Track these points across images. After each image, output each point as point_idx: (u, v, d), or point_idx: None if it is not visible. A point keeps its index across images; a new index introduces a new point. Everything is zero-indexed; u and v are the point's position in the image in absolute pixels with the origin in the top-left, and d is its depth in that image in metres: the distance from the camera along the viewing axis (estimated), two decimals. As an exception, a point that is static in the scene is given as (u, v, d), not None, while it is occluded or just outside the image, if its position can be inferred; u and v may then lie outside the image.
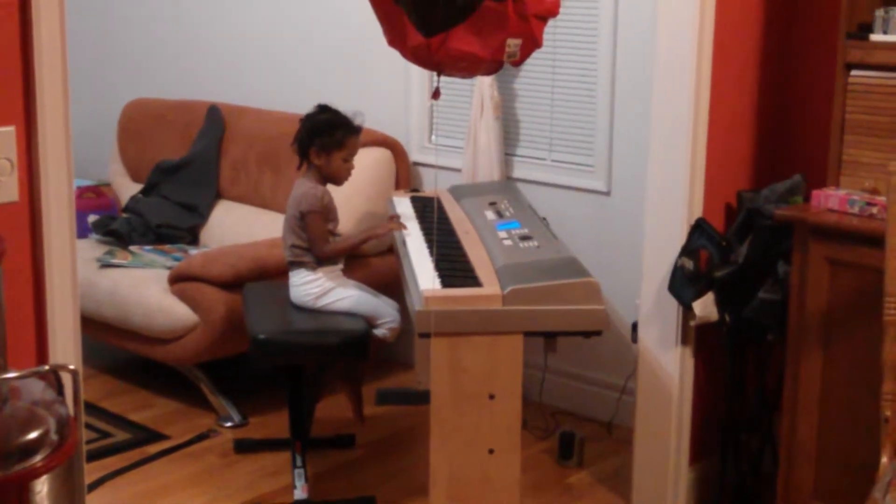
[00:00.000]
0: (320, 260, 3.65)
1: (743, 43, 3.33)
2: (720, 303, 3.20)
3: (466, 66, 2.52)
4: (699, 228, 3.19)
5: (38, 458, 1.58)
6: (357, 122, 3.71)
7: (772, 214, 3.09)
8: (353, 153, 3.71)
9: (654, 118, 3.26)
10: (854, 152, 3.03)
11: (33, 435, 1.61)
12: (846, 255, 2.91)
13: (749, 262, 3.15)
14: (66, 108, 2.09)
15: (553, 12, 2.58)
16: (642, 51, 3.80)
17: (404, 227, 3.59)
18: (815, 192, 3.03)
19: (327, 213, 3.65)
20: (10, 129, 2.02)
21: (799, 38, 3.46)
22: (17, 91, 2.03)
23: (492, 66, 2.56)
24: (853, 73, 3.01)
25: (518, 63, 2.57)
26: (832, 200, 2.98)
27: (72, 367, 1.72)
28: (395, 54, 2.67)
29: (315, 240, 3.62)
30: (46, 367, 1.78)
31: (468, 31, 2.39)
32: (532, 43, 2.52)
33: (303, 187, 3.66)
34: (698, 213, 3.24)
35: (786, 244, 3.05)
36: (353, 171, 3.76)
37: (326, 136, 3.64)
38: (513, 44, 2.45)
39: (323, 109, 3.73)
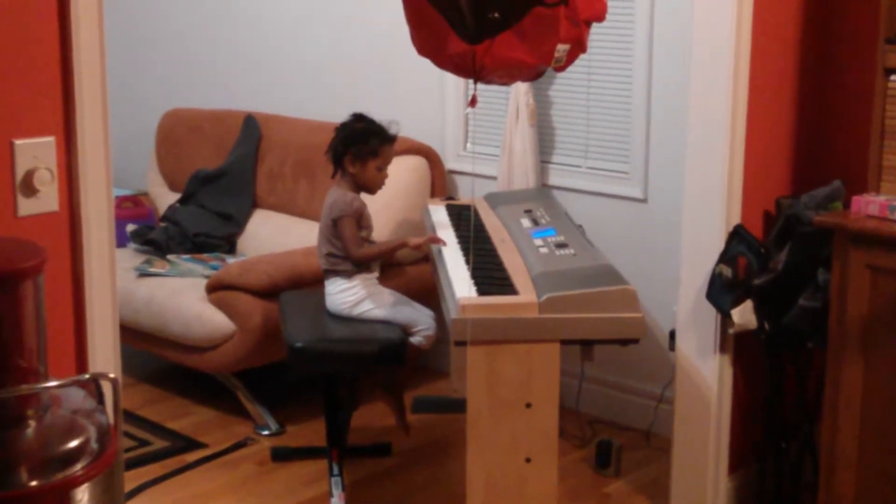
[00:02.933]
0: (356, 268, 3.65)
1: (781, 48, 3.30)
2: (759, 310, 3.17)
3: (510, 73, 2.51)
4: (737, 235, 3.16)
5: (78, 467, 1.59)
6: (392, 131, 3.72)
7: (811, 221, 3.06)
8: (388, 162, 3.71)
9: (691, 124, 3.24)
10: (894, 157, 2.99)
11: (74, 443, 1.62)
12: (887, 262, 2.88)
13: (788, 269, 3.12)
14: (106, 119, 2.11)
15: (601, 17, 2.56)
16: (679, 56, 3.78)
17: (443, 242, 3.55)
18: (854, 198, 3.00)
19: (359, 217, 3.66)
20: (51, 139, 2.04)
21: (837, 42, 3.43)
22: (57, 102, 2.05)
23: (535, 72, 2.55)
24: (893, 77, 2.98)
25: (563, 69, 2.56)
26: (872, 206, 2.95)
27: (112, 375, 1.73)
28: (430, 63, 2.67)
29: (348, 243, 3.62)
30: (87, 376, 1.79)
31: (515, 36, 2.38)
32: (579, 48, 2.51)
33: (334, 195, 3.68)
34: (736, 219, 3.21)
35: (825, 251, 3.02)
36: (389, 180, 3.77)
37: (361, 145, 3.65)
38: (562, 49, 2.44)
39: (358, 118, 3.74)
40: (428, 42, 2.58)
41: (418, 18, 2.55)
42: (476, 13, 2.33)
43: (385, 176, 3.72)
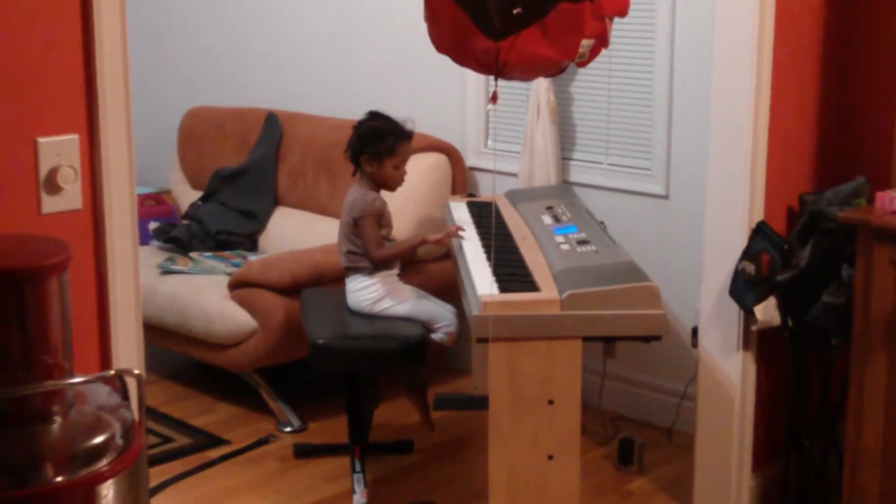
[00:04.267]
0: (376, 265, 3.66)
1: (804, 43, 3.28)
2: (782, 307, 3.16)
3: (534, 69, 2.50)
4: (760, 232, 3.15)
5: (104, 463, 1.60)
6: (408, 127, 3.70)
7: (835, 217, 3.04)
8: (405, 159, 3.70)
9: (713, 120, 3.23)
10: (919, 153, 2.98)
11: (99, 439, 1.63)
12: (912, 258, 2.86)
13: (812, 265, 3.11)
14: (128, 117, 2.12)
15: (624, 12, 2.56)
16: (700, 51, 3.76)
17: (461, 237, 3.56)
18: (878, 194, 2.98)
19: (379, 217, 3.66)
20: (74, 137, 2.05)
21: (861, 37, 3.41)
22: (81, 100, 2.06)
23: (558, 68, 2.54)
24: (918, 72, 2.96)
25: (585, 64, 2.55)
26: (897, 202, 2.93)
27: (136, 371, 1.74)
28: (450, 60, 2.66)
29: (369, 244, 3.62)
30: (112, 372, 1.81)
31: (539, 32, 2.37)
32: (602, 43, 2.50)
33: (355, 194, 3.67)
34: (759, 216, 3.19)
35: (849, 247, 3.00)
36: (409, 177, 3.76)
37: (377, 144, 3.64)
38: (586, 45, 2.43)
39: (374, 116, 3.73)
40: (448, 39, 2.58)
41: (439, 15, 2.55)
42: (501, 9, 2.33)
43: (404, 173, 3.71)
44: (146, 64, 5.50)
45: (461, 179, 4.57)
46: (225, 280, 4.28)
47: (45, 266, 1.64)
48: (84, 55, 2.05)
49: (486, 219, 3.76)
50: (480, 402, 3.12)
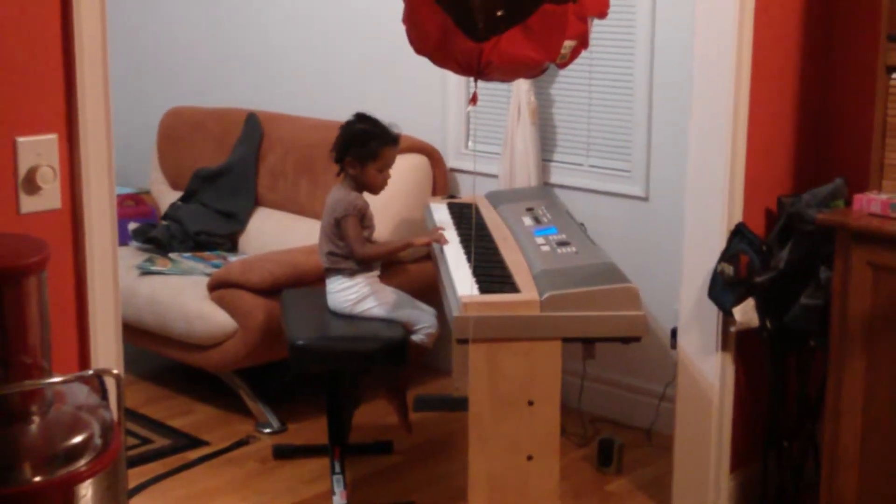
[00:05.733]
0: (357, 266, 3.65)
1: (782, 46, 3.30)
2: (761, 308, 3.18)
3: (515, 70, 2.51)
4: (739, 233, 3.17)
5: (82, 463, 1.59)
6: (394, 132, 3.69)
7: (813, 219, 3.06)
8: (389, 164, 3.69)
9: (692, 122, 3.24)
10: (896, 156, 3.00)
11: (78, 439, 1.62)
12: (888, 260, 2.88)
13: (790, 267, 3.13)
14: (108, 116, 2.11)
15: (604, 14, 2.57)
16: (680, 54, 3.78)
17: (445, 242, 3.56)
18: (856, 197, 3.00)
19: (362, 216, 3.65)
20: (53, 136, 2.04)
21: (839, 40, 3.43)
22: (60, 99, 2.05)
23: (540, 69, 2.55)
24: (894, 75, 2.98)
25: (566, 65, 2.56)
26: (874, 205, 2.95)
27: (115, 371, 1.74)
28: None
29: (353, 242, 3.62)
30: (91, 372, 1.80)
31: (522, 33, 2.38)
32: (582, 44, 2.51)
33: (337, 194, 3.67)
34: (738, 218, 3.21)
35: (827, 249, 3.02)
36: (390, 179, 3.76)
37: (361, 147, 3.63)
38: (568, 46, 2.44)
39: (361, 118, 3.72)
40: (429, 40, 2.57)
41: (420, 17, 2.55)
42: (485, 10, 2.33)
43: (387, 177, 3.70)
44: (126, 63, 5.48)
45: (442, 181, 4.58)
46: (204, 281, 4.27)
47: (23, 265, 1.63)
48: (63, 54, 2.04)
49: (467, 220, 3.76)
50: (460, 404, 3.12)
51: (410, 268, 4.37)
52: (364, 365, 3.68)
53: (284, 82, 5.18)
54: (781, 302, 3.15)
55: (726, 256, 3.17)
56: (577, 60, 2.62)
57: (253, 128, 4.98)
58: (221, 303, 4.11)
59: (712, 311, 3.24)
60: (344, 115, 3.80)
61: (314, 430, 4.07)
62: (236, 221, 4.90)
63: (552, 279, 3.04)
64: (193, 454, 3.94)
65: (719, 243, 3.20)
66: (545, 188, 4.26)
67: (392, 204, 4.27)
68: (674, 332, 3.41)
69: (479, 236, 3.53)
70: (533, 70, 2.53)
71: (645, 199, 4.12)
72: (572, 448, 3.96)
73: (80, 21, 2.04)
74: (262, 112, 5.04)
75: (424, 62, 2.68)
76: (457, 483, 3.41)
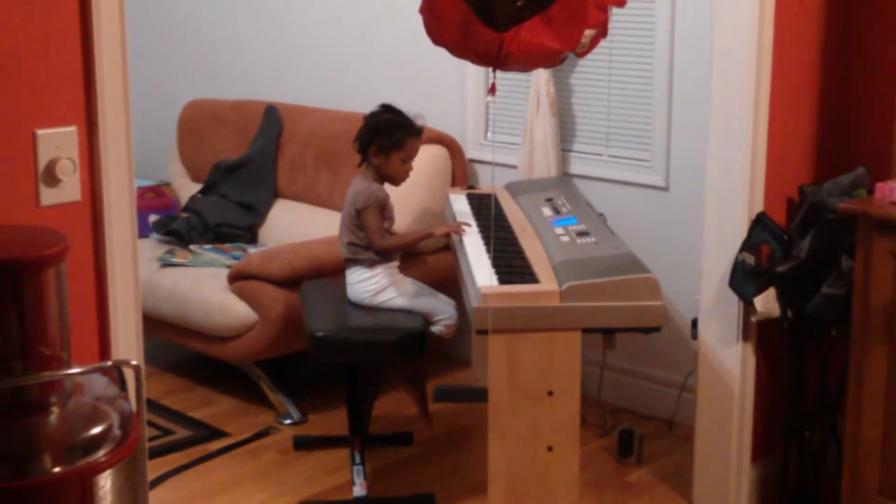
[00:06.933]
0: (377, 257, 3.66)
1: (805, 34, 3.28)
2: (782, 298, 3.16)
3: (534, 60, 2.50)
4: (760, 223, 3.15)
5: (101, 453, 1.60)
6: (419, 124, 3.70)
7: (835, 208, 3.03)
8: (413, 155, 3.69)
9: (713, 111, 3.22)
10: (919, 144, 2.97)
11: (97, 430, 1.63)
12: (911, 249, 2.86)
13: (811, 256, 3.11)
14: (127, 108, 2.11)
15: (624, 2, 2.55)
16: (701, 43, 3.75)
17: (464, 233, 3.55)
18: (878, 185, 2.98)
19: (382, 208, 3.65)
20: (72, 129, 2.04)
21: (861, 27, 3.40)
22: (79, 92, 2.05)
23: (559, 58, 2.54)
24: (918, 63, 2.96)
25: (585, 54, 2.55)
26: (897, 193, 2.93)
27: (134, 362, 1.74)
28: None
29: (373, 234, 3.62)
30: (109, 363, 1.80)
31: (542, 23, 2.37)
32: (602, 33, 2.50)
33: (358, 185, 3.67)
34: (759, 207, 3.19)
35: (849, 238, 3.00)
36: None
37: (386, 137, 3.63)
38: (588, 35, 2.43)
39: (386, 109, 3.72)
40: (449, 31, 2.57)
41: (439, 7, 2.55)
42: (505, 0, 2.33)
43: (409, 168, 3.70)
44: (145, 55, 5.50)
45: (461, 171, 4.57)
46: (224, 272, 4.28)
47: (42, 257, 1.64)
48: (83, 46, 2.04)
49: (486, 211, 3.76)
50: (480, 394, 3.12)
51: (430, 259, 4.36)
52: (384, 356, 3.68)
53: (303, 74, 5.19)
54: (803, 292, 3.13)
55: (747, 246, 3.15)
56: (597, 50, 2.61)
57: (272, 120, 4.99)
58: (241, 294, 4.12)
59: (733, 301, 3.22)
60: (362, 106, 3.80)
61: (334, 421, 4.07)
62: (256, 213, 4.91)
63: (572, 269, 3.03)
64: (214, 445, 3.95)
65: (740, 233, 3.18)
66: (564, 178, 4.25)
67: (411, 195, 4.27)
68: (694, 323, 3.39)
69: (499, 227, 3.53)
70: (552, 60, 2.53)
71: (665, 188, 4.10)
72: (592, 438, 3.95)
73: (99, 13, 2.04)
74: (282, 104, 5.05)
75: (443, 53, 2.67)
76: (476, 474, 3.41)
